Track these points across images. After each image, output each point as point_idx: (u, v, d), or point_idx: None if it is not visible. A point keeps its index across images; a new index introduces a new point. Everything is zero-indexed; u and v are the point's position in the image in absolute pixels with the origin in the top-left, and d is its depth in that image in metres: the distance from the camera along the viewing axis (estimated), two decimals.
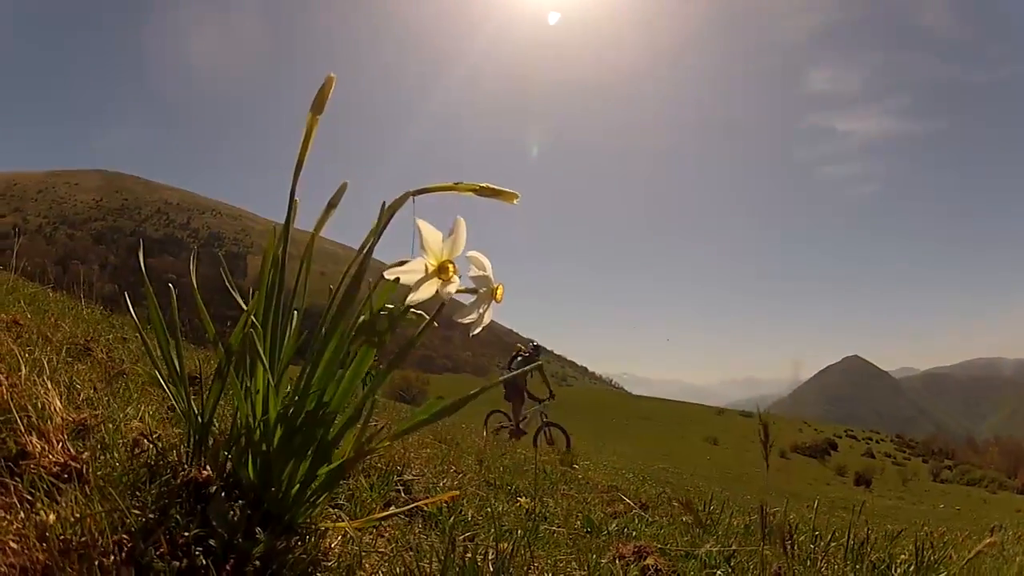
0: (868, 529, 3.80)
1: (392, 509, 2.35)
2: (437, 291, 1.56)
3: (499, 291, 1.63)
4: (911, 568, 3.03)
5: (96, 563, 1.33)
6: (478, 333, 1.66)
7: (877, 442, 65.25)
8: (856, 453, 52.35)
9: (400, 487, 2.87)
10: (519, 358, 16.45)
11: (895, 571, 2.97)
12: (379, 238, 1.68)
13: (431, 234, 1.54)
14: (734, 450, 39.83)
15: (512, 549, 1.83)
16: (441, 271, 1.55)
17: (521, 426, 15.91)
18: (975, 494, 38.77)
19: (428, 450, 4.75)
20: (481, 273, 1.63)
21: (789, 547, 2.91)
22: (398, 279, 1.55)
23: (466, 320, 1.64)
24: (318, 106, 1.75)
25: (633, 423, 42.45)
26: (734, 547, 2.88)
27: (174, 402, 1.77)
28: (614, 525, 3.27)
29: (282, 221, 1.77)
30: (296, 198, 1.76)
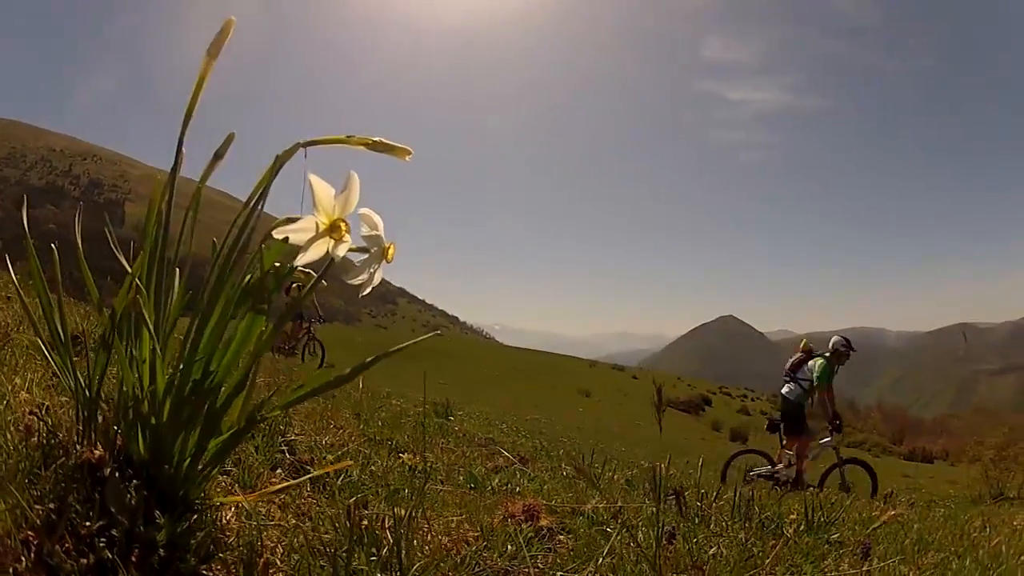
0: (753, 488, 3.88)
1: (284, 481, 2.34)
2: (328, 251, 1.48)
3: (390, 251, 1.57)
4: (801, 527, 3.06)
5: (10, 570, 1.24)
6: (367, 293, 1.60)
7: (752, 400, 65.59)
8: (731, 410, 53.67)
9: (284, 447, 2.80)
10: (818, 360, 10.27)
11: (786, 531, 2.99)
12: (267, 190, 1.60)
13: (323, 190, 1.45)
14: (607, 403, 40.57)
15: (407, 515, 1.80)
16: (333, 230, 1.47)
17: (803, 472, 10.20)
18: (857, 457, 38.75)
19: (306, 403, 4.66)
20: (373, 232, 1.56)
21: (679, 504, 2.94)
22: (287, 239, 1.46)
23: (356, 281, 1.57)
24: (214, 50, 1.63)
25: (505, 373, 42.68)
26: (620, 503, 2.91)
27: (59, 374, 1.64)
28: (497, 480, 3.31)
29: (161, 168, 1.65)
30: (184, 150, 1.64)
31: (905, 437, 56.41)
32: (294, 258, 1.48)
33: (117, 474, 1.50)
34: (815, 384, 10.13)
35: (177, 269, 1.67)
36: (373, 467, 2.89)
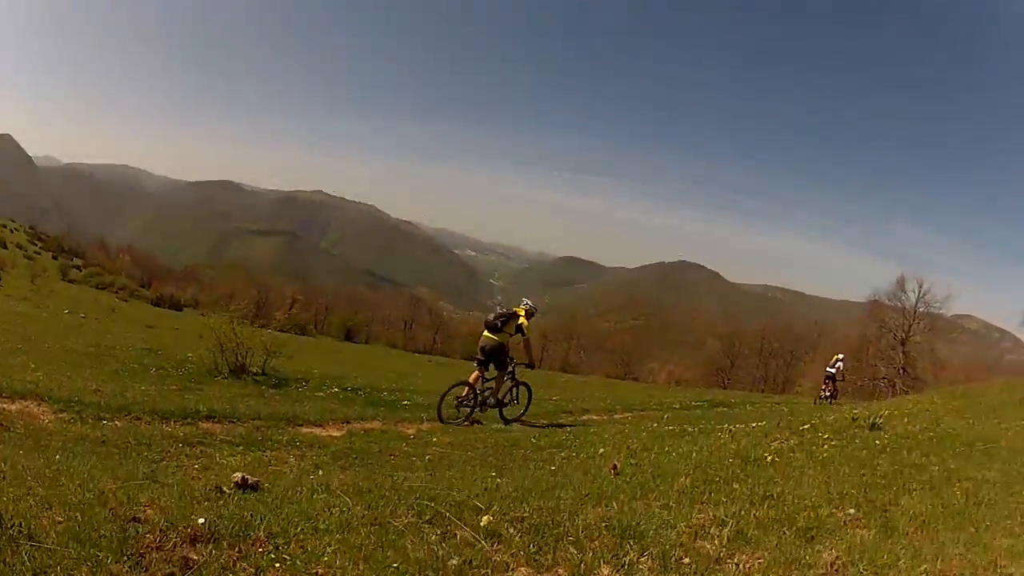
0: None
1: None
2: None
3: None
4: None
5: None
6: None
7: (12, 231, 61.52)
8: None
9: None
10: (521, 316, 12.30)
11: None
12: None
13: None
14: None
15: None
16: None
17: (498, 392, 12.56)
18: (104, 299, 38.55)
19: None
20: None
21: None
22: None
23: None
24: None
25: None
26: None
27: None
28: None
29: None
30: None
31: (154, 282, 54.90)
32: None
33: None
34: (523, 333, 12.26)
35: None
36: None
